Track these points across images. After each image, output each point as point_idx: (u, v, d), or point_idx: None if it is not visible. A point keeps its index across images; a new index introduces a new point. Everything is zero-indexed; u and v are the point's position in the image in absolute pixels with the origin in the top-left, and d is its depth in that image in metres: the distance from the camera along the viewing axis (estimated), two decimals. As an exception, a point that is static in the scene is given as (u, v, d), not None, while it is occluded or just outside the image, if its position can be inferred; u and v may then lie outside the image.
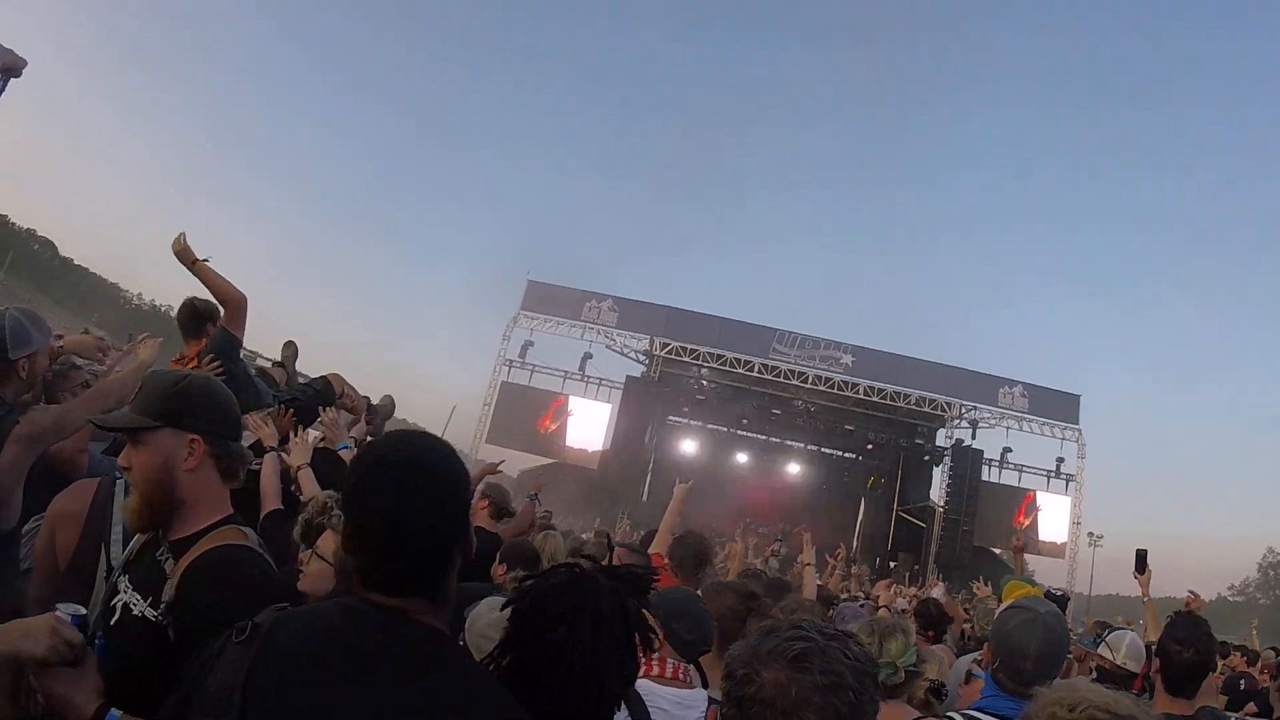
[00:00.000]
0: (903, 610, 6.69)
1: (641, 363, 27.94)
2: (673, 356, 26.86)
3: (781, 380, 26.64)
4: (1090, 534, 30.17)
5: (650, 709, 2.33)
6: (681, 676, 2.51)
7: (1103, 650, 3.96)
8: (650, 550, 4.77)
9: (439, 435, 1.50)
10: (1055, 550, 28.43)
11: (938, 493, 28.43)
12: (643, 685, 2.43)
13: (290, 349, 4.88)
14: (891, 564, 27.45)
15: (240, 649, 1.20)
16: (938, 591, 9.28)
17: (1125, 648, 3.89)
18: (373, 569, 1.28)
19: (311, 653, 1.19)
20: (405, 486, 1.27)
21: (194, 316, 3.96)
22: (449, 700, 1.18)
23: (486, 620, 2.07)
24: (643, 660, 2.43)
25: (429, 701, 1.16)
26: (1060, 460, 28.43)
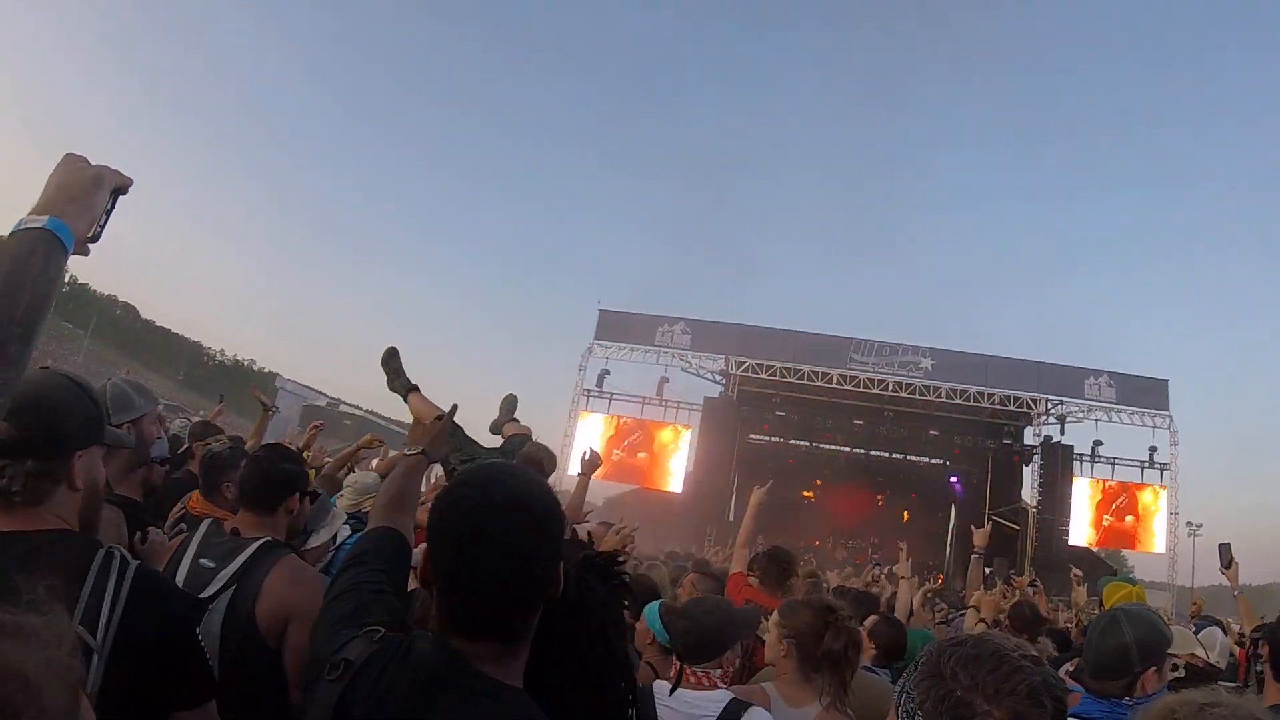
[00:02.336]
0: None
1: (719, 383, 27.91)
2: (749, 375, 26.75)
3: (861, 390, 26.25)
4: (1189, 523, 29.12)
5: (661, 708, 2.37)
6: (702, 680, 2.59)
7: (1195, 649, 3.87)
8: (732, 570, 4.79)
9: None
10: (1154, 543, 27.48)
11: (1029, 493, 27.60)
12: (659, 686, 2.49)
13: (510, 402, 4.81)
14: (987, 570, 26.83)
15: (331, 686, 1.22)
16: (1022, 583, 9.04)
17: (1219, 645, 3.88)
18: (452, 609, 1.25)
19: (390, 693, 1.19)
20: (503, 524, 1.21)
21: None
22: None
23: None
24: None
25: None
26: (1153, 449, 27.29)
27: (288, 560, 2.34)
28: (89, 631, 1.37)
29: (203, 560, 2.32)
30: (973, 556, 6.06)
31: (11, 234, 1.19)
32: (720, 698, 2.52)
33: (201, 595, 2.21)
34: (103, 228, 1.29)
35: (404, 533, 1.64)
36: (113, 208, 1.32)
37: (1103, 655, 2.33)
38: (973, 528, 6.24)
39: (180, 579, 2.28)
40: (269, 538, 2.39)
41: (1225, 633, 4.52)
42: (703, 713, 2.47)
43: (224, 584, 2.24)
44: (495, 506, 1.22)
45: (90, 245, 1.28)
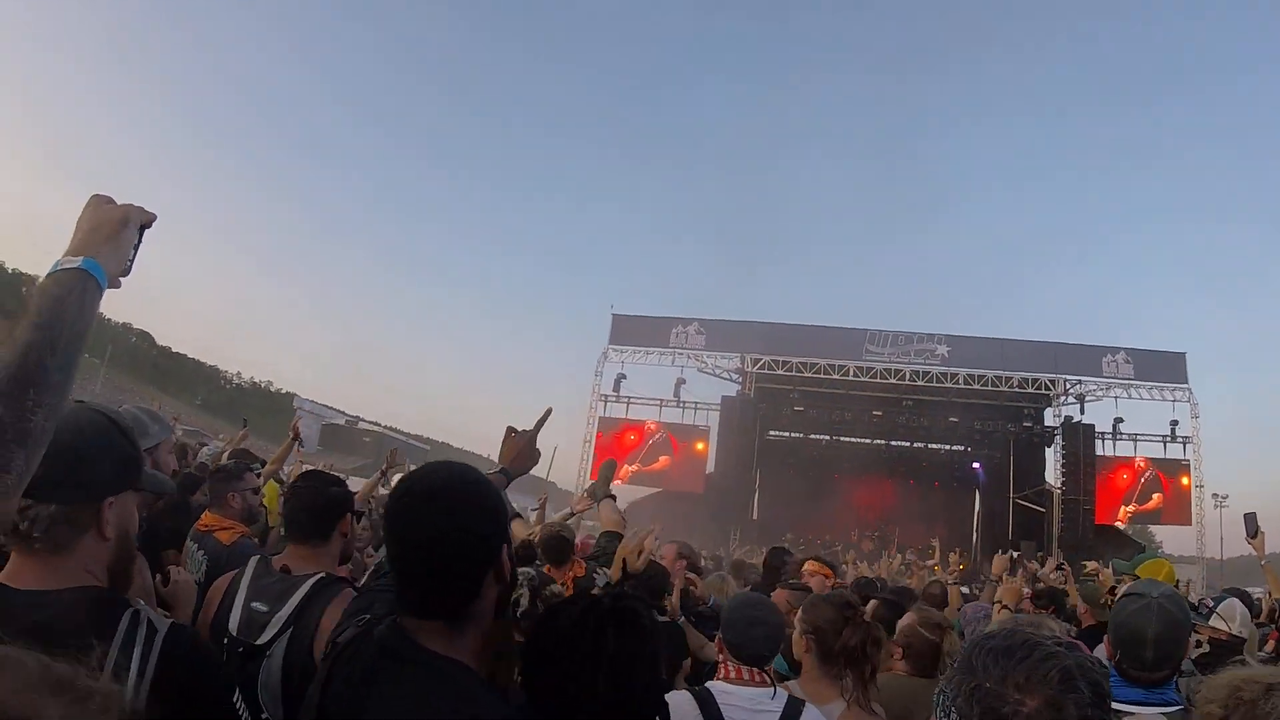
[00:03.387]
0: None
1: (735, 381, 27.92)
2: (765, 371, 26.81)
3: (878, 381, 26.28)
4: (1215, 495, 28.96)
5: (724, 707, 2.42)
6: (755, 678, 2.58)
7: (1215, 622, 3.85)
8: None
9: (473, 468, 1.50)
10: (1181, 517, 27.35)
11: (1053, 474, 27.43)
12: (716, 686, 2.53)
13: (608, 468, 5.00)
14: (1014, 553, 26.77)
15: (323, 664, 1.45)
16: (1049, 569, 8.98)
17: (1239, 615, 3.82)
18: (400, 593, 1.41)
19: (350, 666, 1.39)
20: (416, 511, 1.36)
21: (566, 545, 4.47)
22: (405, 707, 1.29)
23: None
24: (719, 663, 2.62)
25: (392, 707, 1.30)
26: (1174, 423, 27.11)
27: (346, 595, 2.25)
28: None
29: (255, 605, 2.28)
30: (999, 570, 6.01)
31: (49, 274, 1.27)
32: (780, 695, 2.55)
33: (258, 642, 2.18)
34: (132, 262, 1.38)
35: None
36: (140, 242, 1.39)
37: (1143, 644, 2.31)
38: (995, 558, 6.24)
39: (233, 625, 2.26)
40: (323, 573, 2.33)
41: (1249, 602, 4.52)
42: (766, 709, 2.50)
43: (280, 628, 2.19)
44: (415, 497, 1.38)
45: (121, 279, 1.36)
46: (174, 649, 1.42)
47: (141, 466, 1.55)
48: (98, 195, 1.38)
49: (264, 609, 2.25)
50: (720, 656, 2.69)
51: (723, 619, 2.85)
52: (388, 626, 1.40)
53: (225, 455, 6.51)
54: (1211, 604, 4.05)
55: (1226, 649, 3.59)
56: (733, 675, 2.59)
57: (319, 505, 2.51)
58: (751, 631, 2.70)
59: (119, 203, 1.39)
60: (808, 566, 5.11)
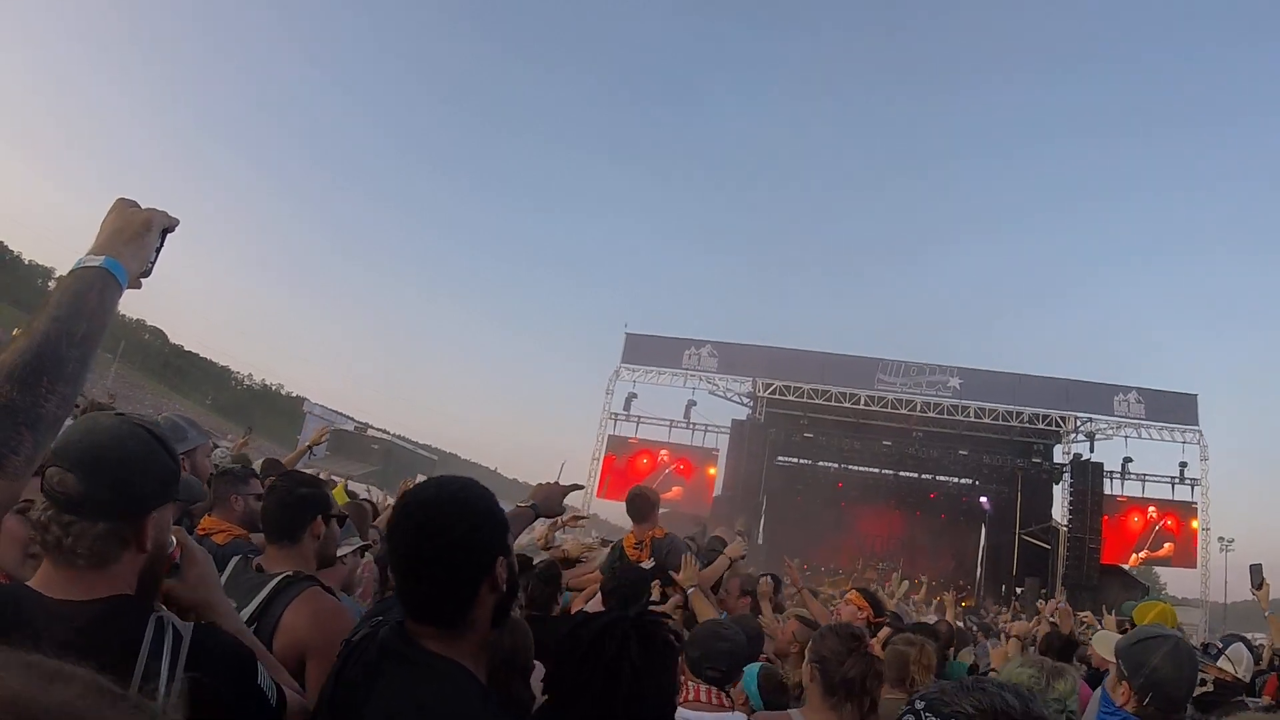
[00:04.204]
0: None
1: (746, 405, 28.02)
2: (777, 396, 26.88)
3: (889, 410, 26.30)
4: (1220, 539, 28.88)
5: None
6: (714, 699, 2.66)
7: (1223, 664, 3.90)
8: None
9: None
10: (1186, 560, 27.19)
11: (1060, 511, 27.32)
12: (679, 712, 2.53)
13: (744, 526, 5.06)
14: (1018, 589, 26.68)
15: (338, 659, 1.55)
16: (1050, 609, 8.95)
17: (1245, 660, 3.91)
18: (400, 597, 1.51)
19: (360, 661, 1.49)
20: (416, 522, 1.46)
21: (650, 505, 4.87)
22: (403, 704, 1.40)
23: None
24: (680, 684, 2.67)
25: (391, 703, 1.40)
26: (1183, 465, 27.04)
27: (309, 594, 2.24)
28: None
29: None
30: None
31: (71, 271, 1.33)
32: (739, 718, 2.65)
33: None
34: (153, 265, 1.44)
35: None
36: (161, 246, 1.45)
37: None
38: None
39: None
40: (291, 571, 2.32)
41: (1250, 648, 4.58)
42: None
43: (244, 622, 2.16)
44: (416, 508, 1.49)
45: (142, 280, 1.42)
46: (199, 650, 1.42)
47: (179, 478, 1.55)
48: (123, 198, 1.45)
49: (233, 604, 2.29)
50: (682, 678, 2.72)
51: (688, 638, 2.92)
52: (392, 628, 1.50)
53: (230, 460, 6.56)
54: (1221, 646, 4.13)
55: (1229, 690, 3.71)
56: (691, 697, 2.67)
57: (288, 505, 2.48)
58: (715, 645, 2.81)
59: (143, 206, 1.45)
60: (849, 597, 5.08)
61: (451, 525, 1.44)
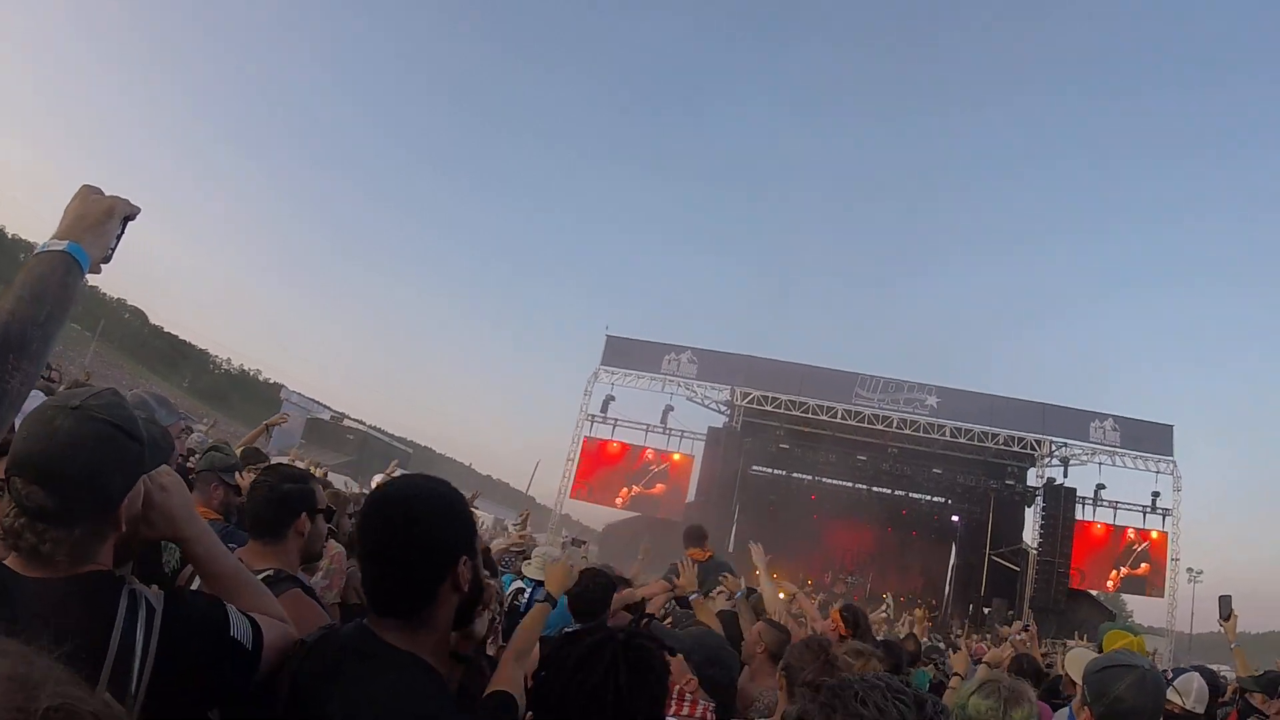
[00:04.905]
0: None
1: (723, 413, 28.02)
2: (754, 406, 26.84)
3: (865, 425, 26.30)
4: (1189, 570, 29.15)
5: None
6: (703, 716, 2.66)
7: (1171, 695, 3.80)
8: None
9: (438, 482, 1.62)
10: (1153, 589, 27.30)
11: (1031, 534, 27.44)
12: None
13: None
14: (985, 610, 26.78)
15: (292, 662, 1.53)
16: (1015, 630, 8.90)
17: (1195, 692, 3.82)
18: (364, 587, 1.54)
19: (318, 661, 1.50)
20: (384, 515, 1.51)
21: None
22: (366, 699, 1.40)
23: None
24: (672, 703, 2.65)
25: (353, 699, 1.40)
26: (1156, 494, 27.20)
27: (289, 598, 2.15)
28: (123, 677, 1.31)
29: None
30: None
31: (36, 254, 1.38)
32: None
33: None
34: (113, 251, 1.49)
35: (514, 689, 1.82)
36: (123, 233, 1.50)
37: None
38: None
39: None
40: (273, 569, 2.25)
41: (1215, 681, 4.48)
42: None
43: None
44: (385, 504, 1.53)
45: (103, 265, 1.47)
46: (171, 622, 1.41)
47: (144, 456, 1.49)
48: (87, 185, 1.49)
49: None
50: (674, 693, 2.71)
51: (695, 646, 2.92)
52: (354, 626, 1.53)
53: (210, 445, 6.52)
54: (1171, 675, 4.05)
55: None
56: (684, 713, 2.65)
57: (272, 501, 2.42)
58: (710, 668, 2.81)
59: (107, 194, 1.49)
60: (833, 616, 5.02)
61: (417, 520, 1.47)
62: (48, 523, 1.32)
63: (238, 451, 4.45)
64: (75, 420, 1.36)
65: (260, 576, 2.18)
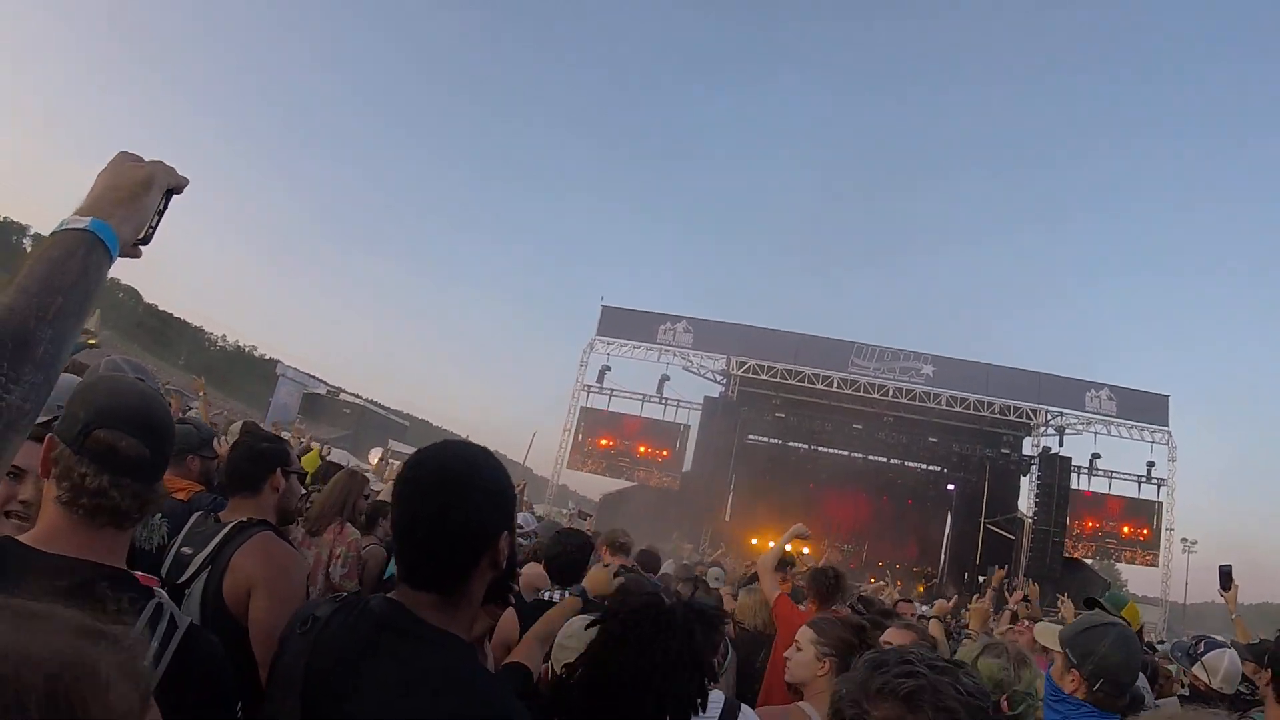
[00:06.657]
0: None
1: (719, 383, 27.98)
2: (750, 375, 26.80)
3: (861, 394, 26.29)
4: (1184, 540, 29.23)
5: None
6: None
7: (1198, 670, 3.72)
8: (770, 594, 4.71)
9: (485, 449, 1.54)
10: (1147, 559, 27.48)
11: (1026, 503, 27.57)
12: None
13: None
14: (980, 578, 26.88)
15: (302, 638, 1.43)
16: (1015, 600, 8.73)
17: (1224, 670, 3.64)
18: (399, 560, 1.46)
19: (344, 638, 1.40)
20: (422, 487, 1.40)
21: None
22: (408, 679, 1.32)
23: (566, 631, 2.18)
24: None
25: (394, 679, 1.32)
26: (1151, 464, 27.37)
27: (261, 537, 2.32)
28: None
29: (184, 549, 2.35)
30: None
31: (52, 234, 1.08)
32: (717, 698, 2.61)
33: (179, 581, 2.23)
34: (154, 229, 1.20)
35: (531, 665, 1.96)
36: (165, 208, 1.22)
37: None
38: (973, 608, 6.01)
39: (164, 569, 2.33)
40: (246, 518, 2.40)
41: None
42: (707, 714, 2.57)
43: (198, 568, 2.25)
44: (426, 471, 1.42)
45: (142, 248, 1.19)
46: (189, 647, 1.41)
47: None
48: (123, 152, 1.22)
49: (189, 552, 2.33)
50: None
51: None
52: (383, 600, 1.43)
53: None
54: (1202, 649, 3.84)
55: (1203, 700, 3.53)
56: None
57: (247, 458, 2.60)
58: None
59: (146, 160, 1.22)
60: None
61: (461, 493, 1.40)
62: (134, 476, 1.33)
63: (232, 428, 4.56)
64: (138, 384, 1.45)
65: (232, 524, 2.36)
